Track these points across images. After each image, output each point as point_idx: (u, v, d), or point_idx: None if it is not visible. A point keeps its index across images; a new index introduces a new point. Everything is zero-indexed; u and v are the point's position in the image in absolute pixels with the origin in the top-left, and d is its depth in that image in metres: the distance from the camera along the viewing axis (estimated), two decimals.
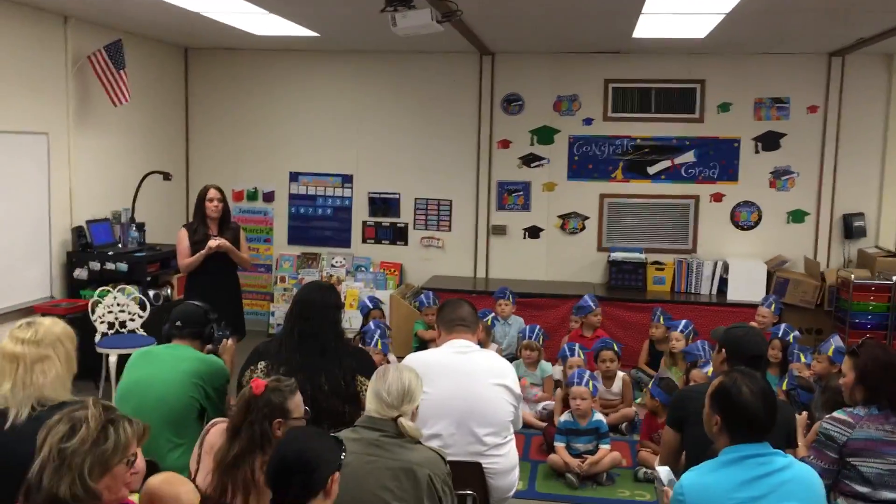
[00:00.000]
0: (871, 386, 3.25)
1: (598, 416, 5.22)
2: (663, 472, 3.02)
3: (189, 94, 8.61)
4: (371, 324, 6.25)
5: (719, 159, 7.97)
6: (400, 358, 4.81)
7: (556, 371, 6.23)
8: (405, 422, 2.72)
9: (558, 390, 5.88)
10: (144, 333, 6.34)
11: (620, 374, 6.11)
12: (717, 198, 8.00)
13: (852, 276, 6.99)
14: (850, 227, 7.74)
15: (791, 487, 2.52)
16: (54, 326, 2.85)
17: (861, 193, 7.80)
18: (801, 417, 3.67)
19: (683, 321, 6.46)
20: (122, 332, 6.32)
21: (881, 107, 7.69)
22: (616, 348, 6.07)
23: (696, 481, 2.59)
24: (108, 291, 6.32)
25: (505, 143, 8.25)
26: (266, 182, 8.63)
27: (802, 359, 5.77)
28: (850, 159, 7.78)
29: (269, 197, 8.65)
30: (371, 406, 2.79)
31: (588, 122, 8.10)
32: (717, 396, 2.69)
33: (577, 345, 5.94)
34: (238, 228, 6.25)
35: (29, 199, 6.25)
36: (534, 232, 8.30)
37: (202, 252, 5.87)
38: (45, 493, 2.06)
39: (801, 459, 3.31)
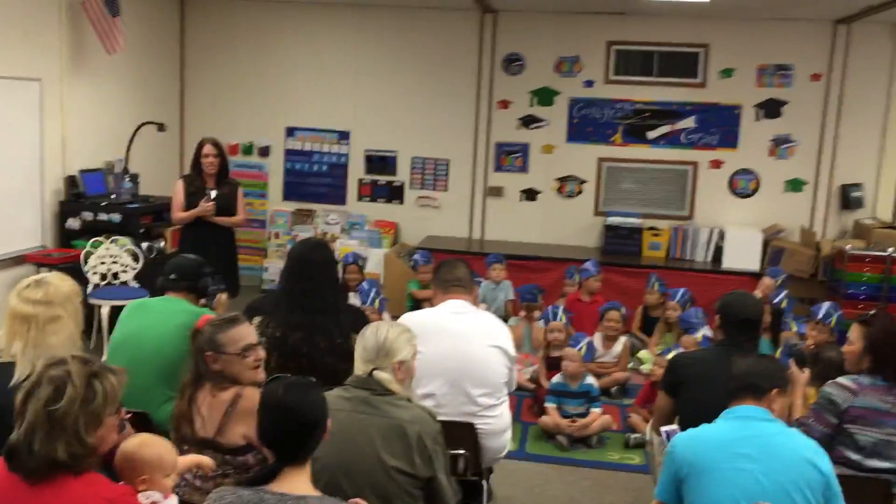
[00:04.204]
0: (880, 356, 3.26)
1: (590, 379, 5.25)
2: (667, 431, 3.08)
3: (185, 45, 8.47)
4: (365, 283, 6.25)
5: (720, 126, 7.91)
6: (395, 317, 4.81)
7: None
8: (380, 374, 2.71)
9: (540, 351, 5.90)
10: (137, 285, 6.31)
11: (622, 338, 6.14)
12: (716, 164, 7.96)
13: (848, 246, 6.98)
14: (848, 198, 7.73)
15: (780, 451, 2.56)
16: (63, 285, 2.85)
17: (860, 164, 7.77)
18: (804, 375, 3.66)
19: (681, 290, 6.46)
20: (115, 284, 6.29)
21: (885, 77, 7.62)
22: (623, 311, 6.10)
23: (690, 434, 2.69)
24: (101, 242, 6.28)
25: (504, 104, 8.16)
26: (262, 136, 8.54)
27: (794, 327, 5.78)
28: (851, 129, 7.73)
29: (264, 152, 8.57)
30: (356, 364, 2.80)
31: (589, 84, 8.01)
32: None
33: (560, 307, 5.94)
34: (236, 185, 6.21)
35: (21, 147, 6.16)
36: (531, 194, 8.25)
37: (194, 210, 5.85)
38: (40, 457, 2.03)
39: (799, 420, 3.35)
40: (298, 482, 2.21)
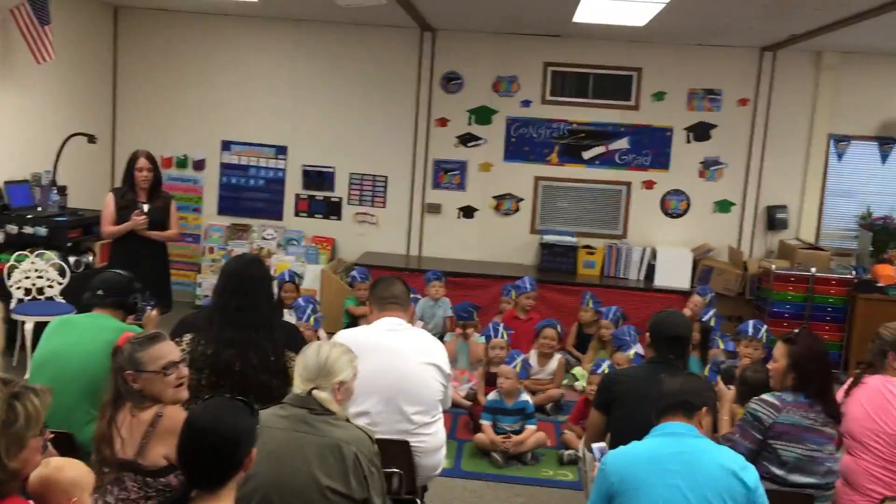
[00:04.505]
0: (804, 374, 3.34)
1: (525, 396, 5.29)
2: (597, 448, 3.11)
3: (118, 55, 8.29)
4: (301, 299, 6.19)
5: (652, 147, 8.11)
6: (330, 334, 4.78)
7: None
8: (319, 394, 2.69)
9: (480, 368, 5.93)
10: (63, 301, 6.12)
11: (557, 355, 6.21)
12: (649, 185, 8.15)
13: (773, 266, 7.22)
14: (773, 219, 7.99)
15: (704, 465, 2.62)
16: None
17: (784, 187, 8.05)
18: (729, 392, 3.75)
19: (612, 308, 6.58)
20: (40, 299, 6.09)
21: (808, 103, 7.92)
22: (558, 329, 6.17)
23: (621, 451, 2.73)
24: (26, 256, 6.08)
25: (443, 122, 8.21)
26: (197, 150, 8.41)
27: (721, 345, 5.94)
28: (776, 153, 8.01)
29: (199, 165, 8.43)
30: (295, 382, 2.78)
31: (526, 104, 8.13)
32: None
33: (501, 325, 5.99)
34: (169, 198, 6.11)
35: None
36: (468, 212, 8.31)
37: (126, 224, 5.73)
38: None
39: (725, 435, 3.43)
40: None
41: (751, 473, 2.65)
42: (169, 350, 2.84)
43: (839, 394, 3.47)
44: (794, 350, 3.38)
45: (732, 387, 3.91)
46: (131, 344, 2.80)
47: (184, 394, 2.87)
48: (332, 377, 2.75)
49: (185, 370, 2.89)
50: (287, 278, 6.57)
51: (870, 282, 7.08)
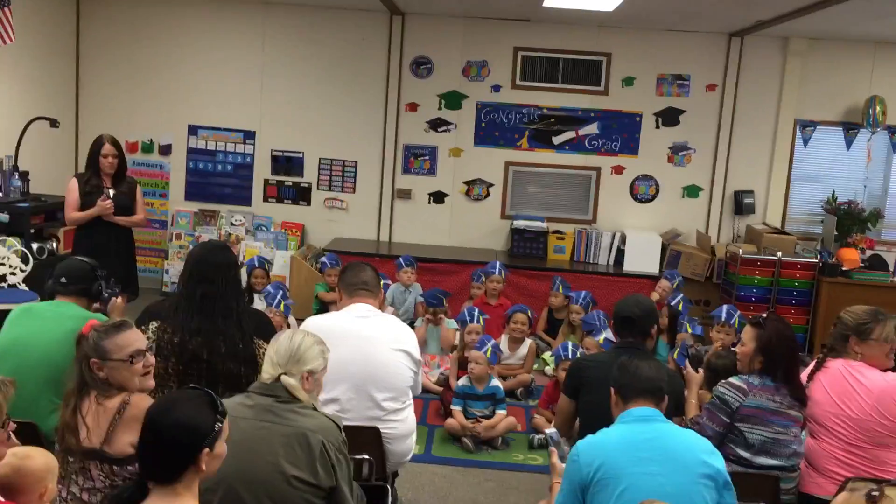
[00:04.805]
0: (771, 358, 3.38)
1: (496, 381, 5.30)
2: (551, 431, 3.13)
3: (80, 38, 8.12)
4: (270, 286, 6.15)
5: (621, 133, 8.13)
6: (300, 320, 4.74)
7: (456, 336, 6.28)
8: (287, 380, 2.67)
9: (454, 352, 5.94)
10: (26, 288, 6.01)
11: (528, 340, 6.23)
12: (618, 170, 8.18)
13: (740, 250, 7.30)
14: (741, 204, 8.07)
15: (677, 452, 2.63)
16: None
17: (752, 172, 8.13)
18: (698, 376, 3.79)
19: (582, 293, 6.61)
20: (2, 287, 5.97)
21: (775, 88, 7.99)
22: (529, 314, 6.19)
23: (592, 441, 2.69)
24: None
25: (413, 107, 8.17)
26: (162, 134, 8.28)
27: (689, 329, 6.00)
28: (744, 138, 8.08)
29: (165, 150, 8.31)
30: (264, 369, 2.76)
31: (496, 88, 8.11)
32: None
33: (476, 310, 5.99)
34: (134, 184, 6.01)
35: None
36: (438, 197, 8.29)
37: (92, 210, 5.63)
38: None
39: (692, 419, 3.46)
40: (185, 501, 2.08)
41: (718, 458, 2.67)
42: (135, 338, 2.81)
43: (802, 376, 3.52)
44: (761, 334, 3.41)
45: (701, 370, 3.94)
46: (97, 332, 2.76)
47: (150, 382, 2.84)
48: (303, 365, 2.73)
49: (151, 358, 2.86)
50: (257, 264, 6.51)
51: (834, 266, 7.18)
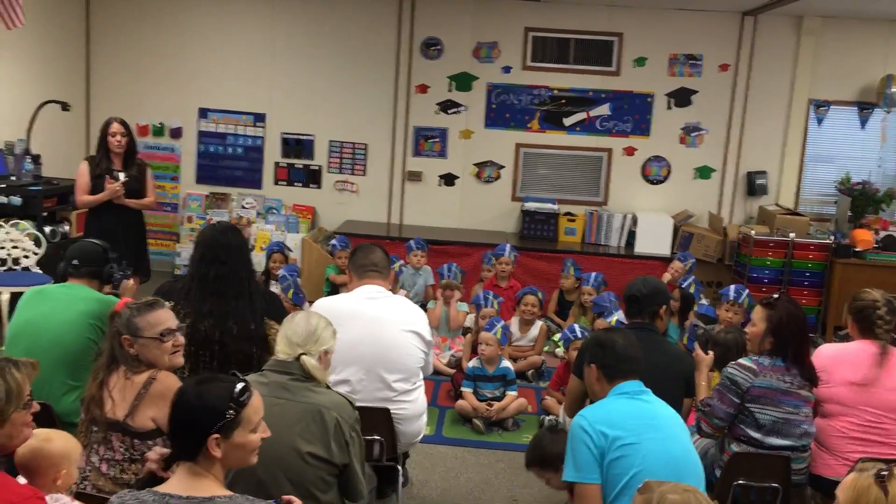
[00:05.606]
0: (782, 339, 3.37)
1: (506, 363, 5.30)
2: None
3: (91, 21, 8.12)
4: (284, 269, 6.14)
5: (633, 113, 8.08)
6: (310, 303, 4.76)
7: (469, 319, 6.29)
8: (307, 359, 2.70)
9: (468, 335, 5.95)
10: (40, 271, 6.05)
11: (539, 322, 6.23)
12: (630, 151, 8.14)
13: (752, 231, 7.25)
14: (753, 185, 8.02)
15: (670, 420, 2.79)
16: None
17: (764, 152, 8.06)
18: (707, 357, 3.78)
19: (594, 274, 6.59)
20: (16, 269, 6.02)
21: (788, 68, 7.91)
22: (539, 296, 6.18)
23: (601, 413, 2.75)
24: (1, 226, 5.99)
25: (423, 88, 8.13)
26: (173, 118, 8.28)
27: (694, 307, 5.99)
28: (756, 119, 8.01)
29: (176, 133, 8.32)
30: (279, 348, 2.78)
31: (507, 70, 8.06)
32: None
33: (491, 293, 5.99)
34: (144, 166, 6.02)
35: None
36: (449, 179, 8.27)
37: (102, 194, 5.65)
38: None
39: (703, 401, 3.46)
40: (203, 481, 2.05)
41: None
42: (167, 317, 2.86)
43: (828, 354, 3.54)
44: (772, 314, 3.40)
45: (711, 352, 3.93)
46: (130, 309, 2.82)
47: (179, 360, 2.90)
48: (320, 345, 2.77)
49: (181, 338, 2.91)
50: (276, 248, 6.54)
51: (848, 247, 7.13)
